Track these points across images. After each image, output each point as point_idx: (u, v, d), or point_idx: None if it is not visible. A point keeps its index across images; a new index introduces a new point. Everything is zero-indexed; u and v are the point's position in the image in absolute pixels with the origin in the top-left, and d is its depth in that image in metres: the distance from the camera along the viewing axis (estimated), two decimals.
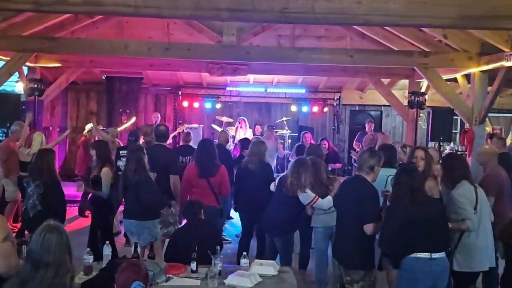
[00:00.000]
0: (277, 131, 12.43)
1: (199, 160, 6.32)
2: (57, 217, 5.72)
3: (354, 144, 11.50)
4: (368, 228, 4.34)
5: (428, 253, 4.13)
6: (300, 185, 5.43)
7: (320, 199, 5.47)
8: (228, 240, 7.89)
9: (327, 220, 5.68)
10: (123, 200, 6.05)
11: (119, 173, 6.59)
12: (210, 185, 6.15)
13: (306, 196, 5.47)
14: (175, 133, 12.13)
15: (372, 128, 11.68)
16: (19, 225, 7.65)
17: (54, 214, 5.69)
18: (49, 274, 2.81)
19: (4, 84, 9.28)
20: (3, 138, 9.74)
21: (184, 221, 5.58)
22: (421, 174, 4.71)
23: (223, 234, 7.48)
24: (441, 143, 10.04)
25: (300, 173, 5.46)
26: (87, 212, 8.68)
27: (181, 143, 9.16)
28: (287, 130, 12.62)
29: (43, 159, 5.90)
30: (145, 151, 5.93)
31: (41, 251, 2.88)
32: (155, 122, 11.56)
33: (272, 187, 6.04)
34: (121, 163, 7.21)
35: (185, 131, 10.39)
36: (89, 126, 10.53)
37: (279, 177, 5.95)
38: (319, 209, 5.65)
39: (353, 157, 8.86)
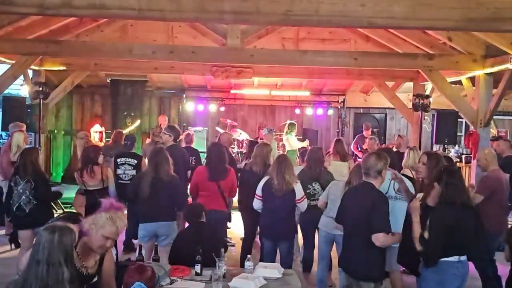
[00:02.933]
0: (281, 134, 12.42)
1: (210, 163, 6.31)
2: (49, 210, 5.85)
3: (352, 146, 11.41)
4: (377, 238, 4.10)
5: (457, 256, 4.13)
6: (287, 183, 5.56)
7: (305, 200, 5.77)
8: (232, 243, 7.88)
9: (328, 223, 5.66)
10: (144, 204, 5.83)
11: (119, 181, 6.56)
12: (219, 189, 6.15)
13: (298, 188, 5.67)
14: (182, 137, 12.14)
15: (370, 132, 11.59)
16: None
17: (47, 207, 5.92)
18: (41, 271, 2.82)
19: (9, 88, 9.33)
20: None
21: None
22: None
23: (227, 237, 7.47)
24: (445, 146, 10.01)
25: (284, 172, 5.60)
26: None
27: (183, 145, 9.18)
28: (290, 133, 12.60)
29: (27, 157, 5.98)
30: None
31: (34, 247, 2.92)
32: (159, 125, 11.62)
33: (257, 204, 5.89)
34: (120, 171, 7.22)
35: (187, 132, 10.41)
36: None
37: (262, 186, 5.80)
38: (328, 211, 5.72)
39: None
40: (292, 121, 12.10)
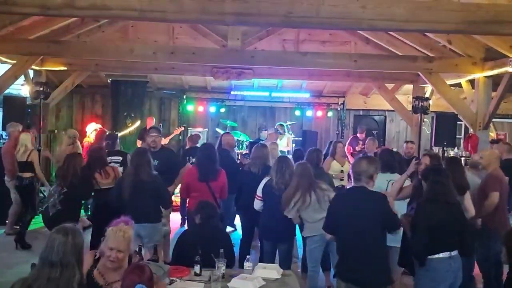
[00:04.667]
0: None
1: (200, 164, 6.30)
2: (73, 219, 5.84)
3: (346, 148, 11.37)
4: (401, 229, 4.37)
5: (448, 252, 4.23)
6: (287, 182, 5.56)
7: None
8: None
9: (319, 227, 5.57)
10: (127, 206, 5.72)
11: None
12: (210, 190, 6.13)
13: None
14: (173, 135, 12.18)
15: (364, 135, 11.55)
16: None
17: (71, 215, 5.75)
18: (54, 273, 2.85)
19: (10, 87, 9.34)
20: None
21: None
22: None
23: None
24: (445, 148, 10.03)
25: (284, 171, 5.61)
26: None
27: (189, 145, 9.20)
28: (291, 134, 12.62)
29: (70, 162, 6.11)
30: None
31: (46, 249, 2.95)
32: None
33: (257, 204, 5.89)
34: None
35: (195, 133, 10.44)
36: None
37: (263, 186, 5.80)
38: (313, 218, 5.51)
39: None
40: (280, 123, 12.16)
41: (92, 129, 10.69)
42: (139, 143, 10.45)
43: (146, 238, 5.59)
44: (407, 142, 9.16)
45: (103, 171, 6.31)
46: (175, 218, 8.54)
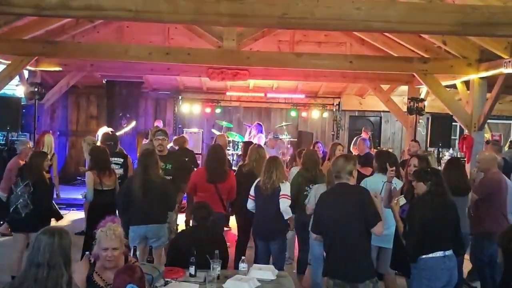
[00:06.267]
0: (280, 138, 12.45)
1: (209, 165, 6.30)
2: (46, 215, 5.80)
3: (351, 148, 11.43)
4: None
5: (442, 251, 4.26)
6: (273, 182, 5.61)
7: (287, 199, 5.64)
8: (227, 244, 7.86)
9: None
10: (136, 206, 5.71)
11: None
12: (218, 191, 6.15)
13: (286, 186, 5.68)
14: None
15: (369, 136, 11.57)
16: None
17: (44, 214, 5.86)
18: (41, 274, 2.85)
19: (5, 88, 9.30)
20: (4, 141, 9.74)
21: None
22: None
23: None
24: (440, 149, 10.04)
25: (271, 171, 5.64)
26: None
27: (176, 148, 9.16)
28: (286, 135, 12.63)
29: (33, 160, 6.04)
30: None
31: (33, 250, 2.96)
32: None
33: (250, 204, 5.95)
34: None
35: (181, 135, 10.43)
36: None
37: (254, 186, 5.87)
38: None
39: None
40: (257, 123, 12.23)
41: (102, 133, 10.64)
42: (144, 141, 10.49)
43: (154, 238, 5.62)
44: (412, 141, 9.12)
45: (108, 171, 6.28)
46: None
